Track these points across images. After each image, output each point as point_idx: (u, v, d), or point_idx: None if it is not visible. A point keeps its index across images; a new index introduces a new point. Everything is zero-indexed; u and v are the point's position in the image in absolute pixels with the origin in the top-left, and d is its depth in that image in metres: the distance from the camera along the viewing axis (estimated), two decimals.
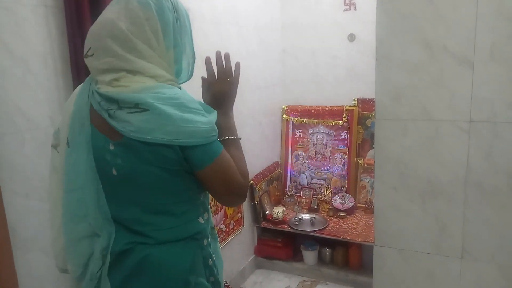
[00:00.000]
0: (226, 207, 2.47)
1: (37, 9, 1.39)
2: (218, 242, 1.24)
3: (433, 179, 1.51)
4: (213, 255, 1.12)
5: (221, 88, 1.10)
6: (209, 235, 1.11)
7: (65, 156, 1.01)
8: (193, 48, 1.08)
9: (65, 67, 1.48)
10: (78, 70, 1.44)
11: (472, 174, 1.45)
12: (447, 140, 1.47)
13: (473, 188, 1.46)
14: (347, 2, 2.83)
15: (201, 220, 1.07)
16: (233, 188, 1.01)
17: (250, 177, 2.77)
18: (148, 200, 0.99)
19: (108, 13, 0.97)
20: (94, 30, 0.98)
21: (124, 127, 0.91)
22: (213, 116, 1.00)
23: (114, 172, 0.97)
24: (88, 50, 0.98)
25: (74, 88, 1.43)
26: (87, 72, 1.05)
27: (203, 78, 1.13)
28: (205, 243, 1.08)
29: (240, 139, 1.09)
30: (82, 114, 0.99)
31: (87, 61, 1.00)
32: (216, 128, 0.98)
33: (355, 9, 2.82)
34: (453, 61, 1.41)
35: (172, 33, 1.00)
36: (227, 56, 1.11)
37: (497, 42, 1.35)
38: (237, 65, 1.12)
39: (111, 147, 0.95)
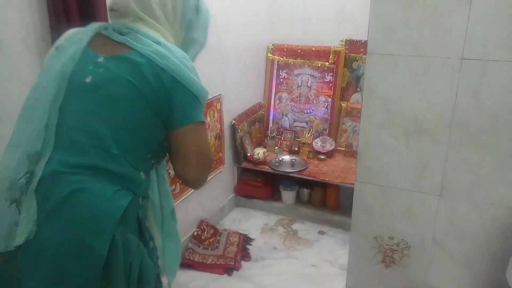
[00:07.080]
0: None
1: None
2: (176, 222, 1.18)
3: (419, 118, 1.51)
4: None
5: None
6: (146, 200, 1.06)
7: (48, 58, 1.02)
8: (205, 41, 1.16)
9: None
10: None
11: (459, 112, 1.46)
12: (437, 78, 1.45)
13: (458, 127, 1.47)
14: None
15: (143, 175, 1.01)
16: (203, 159, 1.03)
17: (233, 117, 2.74)
18: (115, 117, 0.93)
19: None
20: None
21: (141, 47, 0.95)
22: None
23: (89, 79, 0.94)
24: (114, 4, 1.06)
25: (48, 6, 1.34)
26: None
27: None
28: (140, 201, 1.01)
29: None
30: (83, 36, 1.01)
31: (110, 15, 1.09)
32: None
33: None
34: None
35: (188, 18, 1.09)
36: None
37: None
38: None
39: (100, 59, 0.96)
